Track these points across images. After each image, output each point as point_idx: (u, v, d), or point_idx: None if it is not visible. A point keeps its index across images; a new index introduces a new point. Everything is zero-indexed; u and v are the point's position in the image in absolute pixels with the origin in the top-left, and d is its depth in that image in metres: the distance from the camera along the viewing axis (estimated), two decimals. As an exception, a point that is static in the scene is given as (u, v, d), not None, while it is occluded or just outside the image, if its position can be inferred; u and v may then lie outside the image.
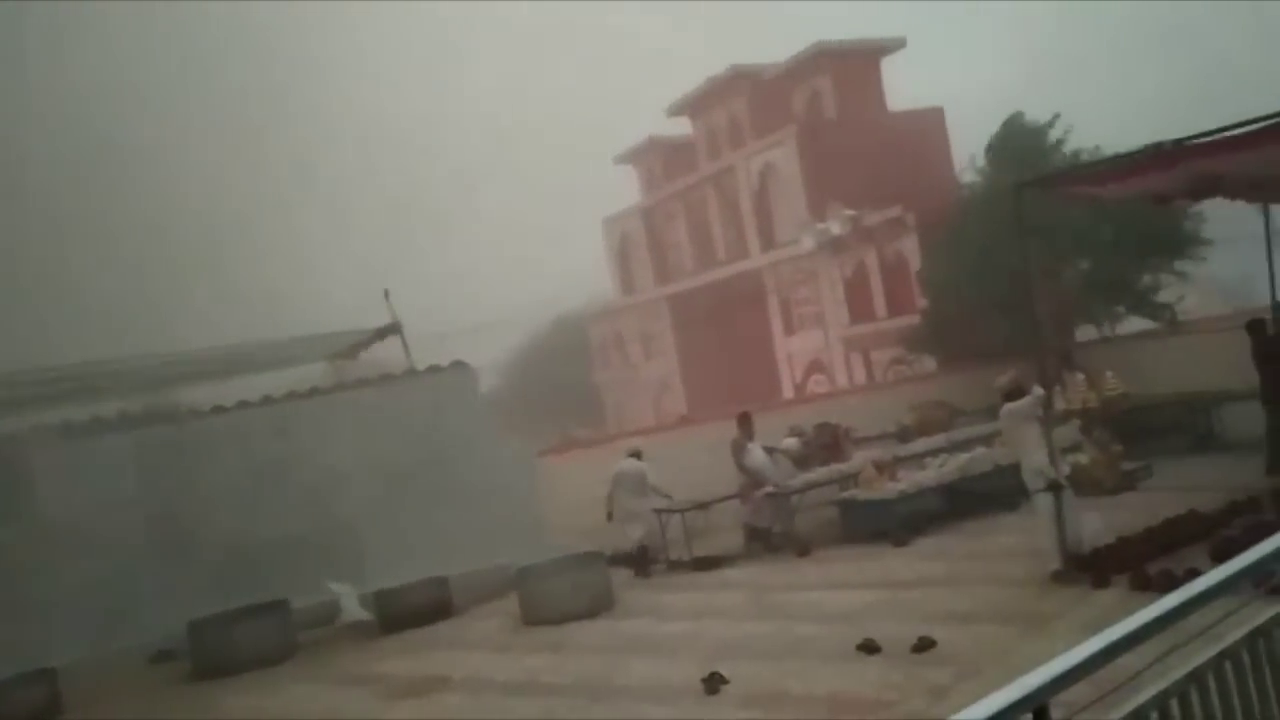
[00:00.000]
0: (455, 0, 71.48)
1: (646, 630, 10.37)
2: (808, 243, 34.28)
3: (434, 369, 15.57)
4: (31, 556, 12.45)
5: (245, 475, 13.68)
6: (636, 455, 14.39)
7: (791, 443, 14.97)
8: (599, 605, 11.45)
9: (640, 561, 13.56)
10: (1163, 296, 21.91)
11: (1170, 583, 6.06)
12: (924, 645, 7.84)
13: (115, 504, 13.09)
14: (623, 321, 45.99)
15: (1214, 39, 55.92)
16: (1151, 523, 10.10)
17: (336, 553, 13.31)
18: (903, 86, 37.96)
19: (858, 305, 33.32)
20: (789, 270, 36.64)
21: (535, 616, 11.44)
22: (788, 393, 35.75)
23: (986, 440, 14.05)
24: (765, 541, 13.48)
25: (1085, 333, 22.86)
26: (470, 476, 14.46)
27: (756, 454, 13.87)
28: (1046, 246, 16.79)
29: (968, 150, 25.43)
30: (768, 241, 37.96)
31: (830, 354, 34.94)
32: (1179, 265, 21.37)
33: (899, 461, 14.27)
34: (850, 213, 32.28)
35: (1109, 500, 12.19)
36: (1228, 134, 8.46)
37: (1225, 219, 18.90)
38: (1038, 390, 9.82)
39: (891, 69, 38.70)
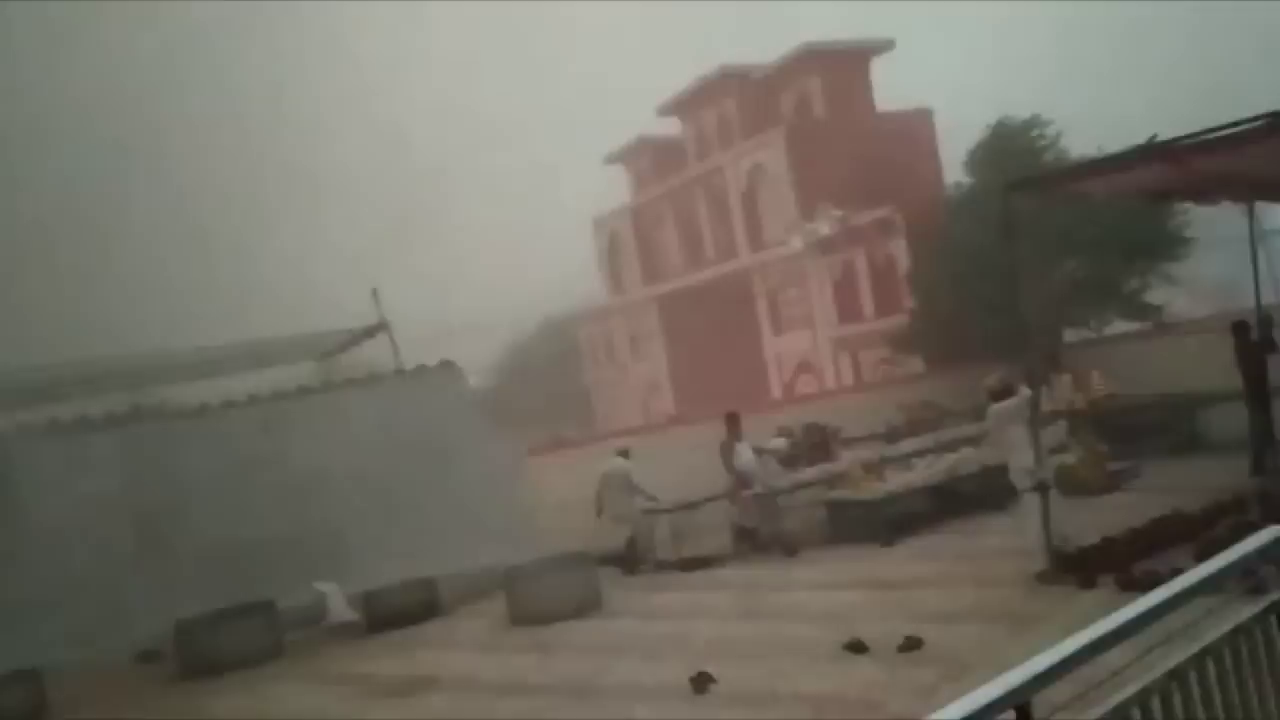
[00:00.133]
0: (448, 0, 71.41)
1: (634, 630, 10.37)
2: (796, 243, 34.38)
3: (422, 369, 15.54)
4: (16, 556, 12.36)
5: (231, 475, 13.62)
6: (624, 455, 14.41)
7: (779, 443, 15.00)
8: (587, 605, 11.45)
9: (628, 560, 13.60)
10: (1149, 298, 22.03)
11: (1155, 583, 6.07)
12: (911, 645, 7.86)
13: (100, 503, 13.01)
14: (611, 322, 46.02)
15: (1207, 43, 56.22)
16: (1137, 523, 10.14)
17: (323, 553, 13.26)
18: (891, 88, 38.07)
19: (846, 306, 33.41)
20: (778, 270, 36.72)
21: (523, 616, 11.43)
22: (776, 393, 35.82)
23: (974, 441, 14.09)
24: (753, 541, 13.50)
25: (1073, 334, 22.96)
26: (458, 476, 14.44)
27: (745, 454, 13.89)
28: (1034, 248, 16.85)
29: (956, 151, 25.54)
30: (756, 242, 38.04)
31: (819, 354, 35.03)
32: (1165, 267, 21.50)
33: (887, 462, 14.31)
34: (839, 213, 32.38)
35: (1095, 501, 12.26)
36: (1214, 135, 8.52)
37: (1212, 221, 19.01)
38: (1025, 391, 9.87)
39: (880, 70, 38.83)
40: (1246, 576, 3.38)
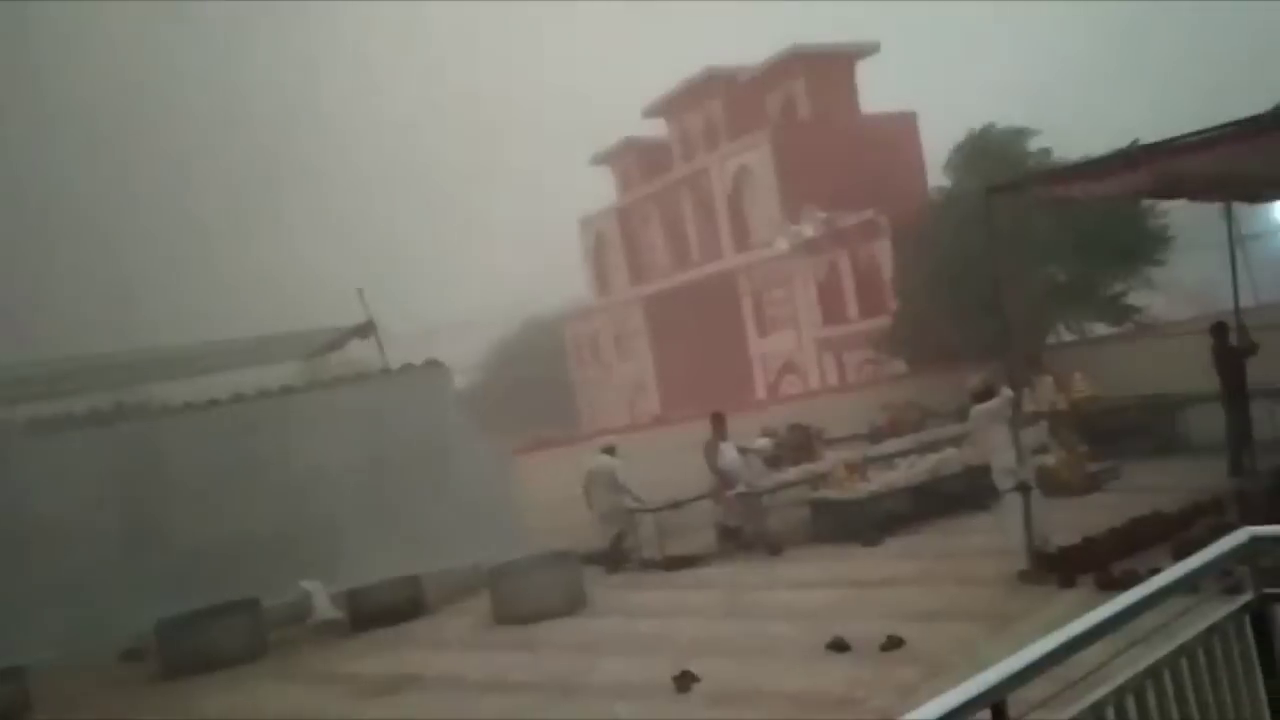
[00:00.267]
0: (434, 1, 71.23)
1: (618, 629, 10.40)
2: (781, 244, 34.47)
3: (408, 368, 15.54)
4: (-1, 554, 12.33)
5: (216, 473, 13.59)
6: (610, 451, 14.47)
7: (764, 443, 15.05)
8: (571, 604, 11.48)
9: (611, 558, 13.65)
10: (1130, 300, 22.19)
11: (1133, 582, 6.15)
12: (893, 644, 7.93)
13: (85, 501, 12.97)
14: (598, 322, 46.04)
15: (1198, 44, 56.60)
16: (1117, 523, 10.24)
17: (308, 551, 13.24)
18: (877, 91, 38.22)
19: (830, 307, 33.52)
20: (763, 271, 36.80)
21: (507, 615, 11.45)
22: (761, 393, 35.90)
23: (956, 441, 14.18)
24: (737, 541, 13.56)
25: (1054, 335, 23.11)
26: (444, 475, 14.44)
27: (729, 454, 13.94)
28: (1017, 250, 16.96)
29: (940, 155, 25.68)
30: (742, 243, 38.13)
31: (803, 355, 35.13)
32: (1146, 270, 21.66)
33: (870, 462, 14.38)
34: (823, 215, 32.48)
35: (1076, 501, 12.36)
36: (1192, 138, 8.64)
37: (1192, 225, 19.17)
38: (1007, 392, 9.95)
39: (865, 73, 38.96)
40: (1223, 576, 3.43)
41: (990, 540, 10.64)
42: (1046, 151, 22.61)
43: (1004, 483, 9.83)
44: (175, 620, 11.87)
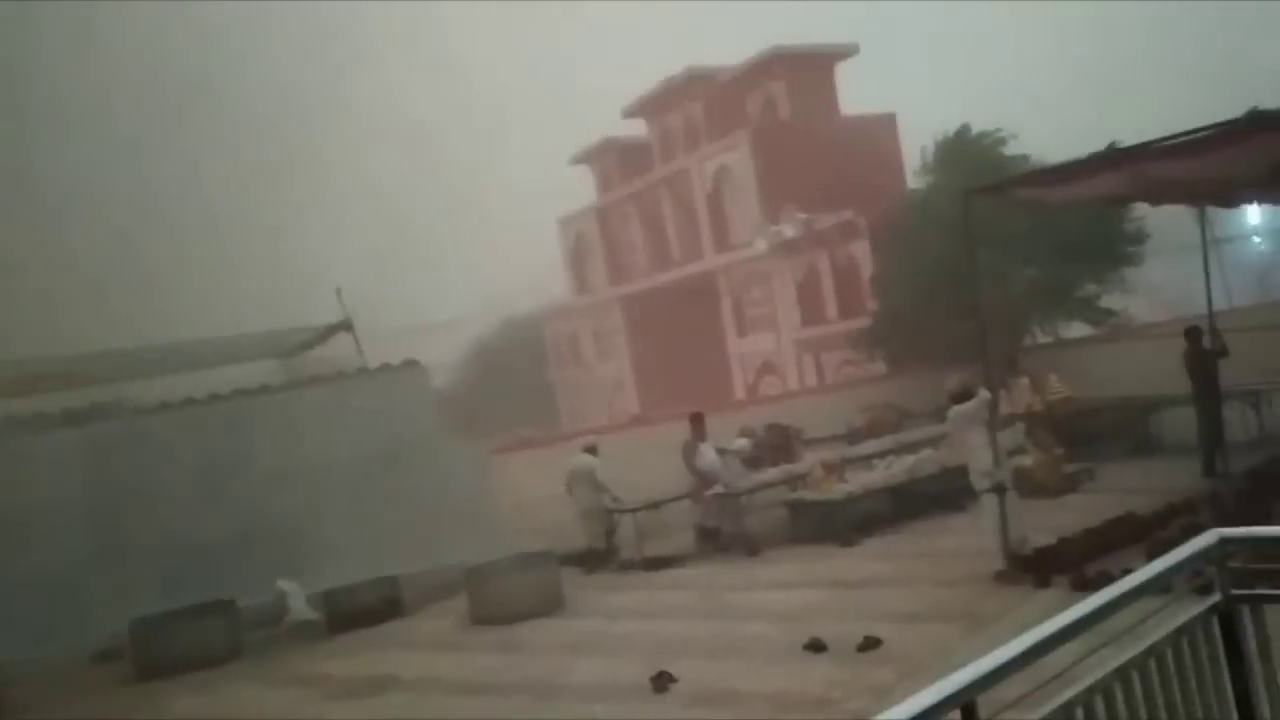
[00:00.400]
0: (413, 2, 71.02)
1: (596, 629, 10.40)
2: (761, 245, 34.52)
3: (386, 367, 15.49)
4: (-30, 554, 12.21)
5: (192, 472, 13.52)
6: (592, 450, 14.48)
7: (742, 443, 15.07)
8: (549, 604, 11.46)
9: (604, 556, 13.69)
10: (1106, 303, 22.37)
11: (1107, 583, 6.20)
12: (869, 644, 7.96)
13: (58, 501, 12.87)
14: (577, 321, 46.01)
15: (1169, 53, 57.15)
16: (1092, 524, 10.32)
17: (285, 551, 13.17)
18: (856, 92, 38.35)
19: (809, 307, 33.60)
20: (742, 272, 36.87)
21: (485, 616, 11.43)
22: (740, 394, 35.96)
23: (934, 443, 14.26)
24: (715, 541, 13.57)
25: (1031, 337, 23.28)
26: (422, 475, 14.40)
27: (708, 454, 13.96)
28: (994, 252, 17.06)
29: (919, 156, 25.78)
30: (721, 243, 38.17)
31: (782, 356, 35.20)
32: (1122, 273, 21.84)
33: (848, 463, 14.43)
34: (803, 216, 32.55)
35: (1052, 502, 12.45)
36: (1168, 142, 8.73)
37: (1166, 229, 19.34)
38: (984, 393, 10.00)
39: (845, 75, 39.09)
40: (1194, 577, 3.46)
41: (967, 541, 10.71)
42: (1025, 157, 22.75)
43: (981, 484, 9.89)
44: (150, 621, 11.78)
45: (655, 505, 14.07)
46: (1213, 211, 14.08)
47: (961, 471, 10.56)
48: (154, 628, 11.73)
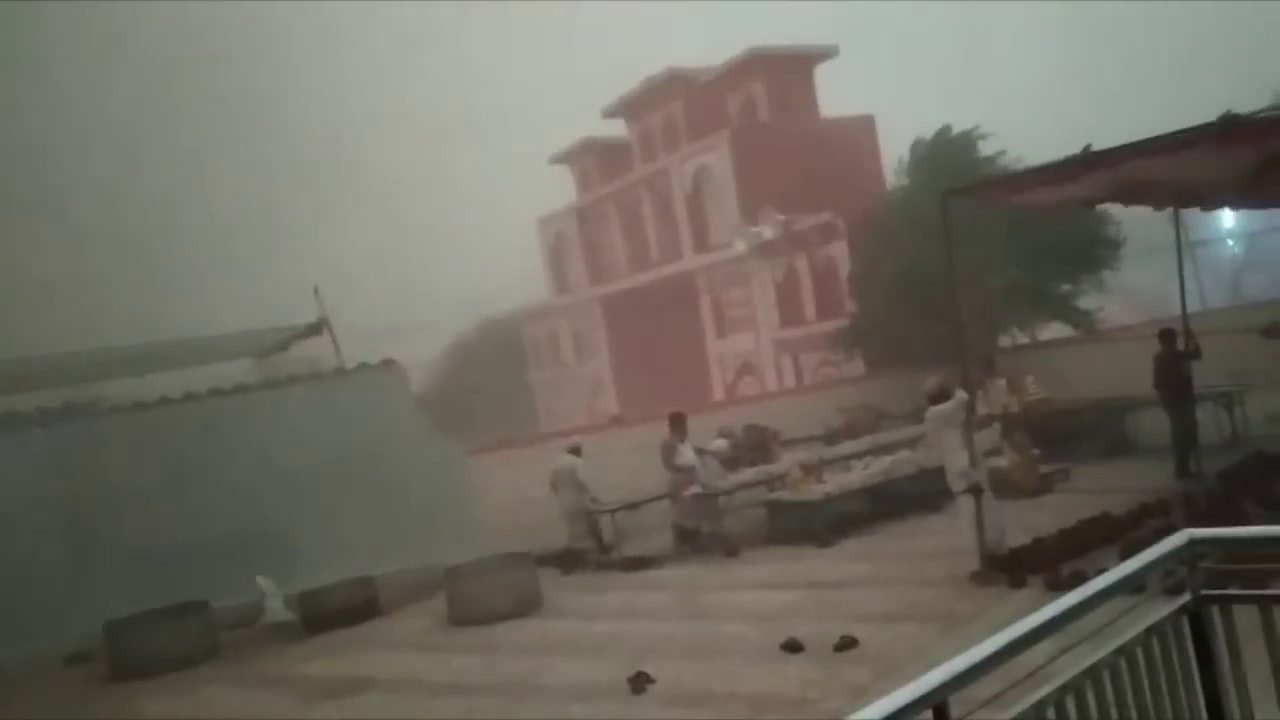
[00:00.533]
0: (394, 2, 70.81)
1: (574, 630, 10.39)
2: (740, 246, 34.58)
3: (364, 367, 15.42)
4: (-59, 555, 12.07)
5: (167, 473, 13.41)
6: (576, 451, 14.48)
7: (720, 444, 15.11)
8: (527, 605, 11.44)
9: (566, 558, 13.68)
10: (1082, 305, 22.54)
11: (1081, 583, 6.25)
12: (846, 644, 7.99)
13: (31, 501, 12.74)
14: (556, 322, 45.96)
15: (1145, 56, 57.64)
16: (1067, 525, 10.40)
17: (260, 551, 13.09)
18: (835, 94, 38.49)
19: (788, 308, 33.69)
20: (721, 273, 36.92)
21: (463, 616, 11.40)
22: (719, 394, 36.00)
23: (910, 443, 14.32)
24: (694, 542, 13.58)
25: (1007, 339, 23.43)
26: (400, 475, 14.35)
27: (686, 454, 13.97)
28: (972, 254, 17.17)
29: (897, 158, 25.92)
30: (701, 244, 38.21)
31: (761, 356, 35.27)
32: (1098, 276, 22.02)
33: (825, 464, 14.48)
34: (782, 217, 32.63)
35: (1027, 502, 12.53)
36: (1144, 145, 8.80)
37: (1142, 232, 19.50)
38: (961, 394, 10.05)
39: (824, 77, 39.22)
40: (1166, 577, 3.49)
41: (943, 541, 10.77)
42: (1001, 152, 22.93)
43: (957, 485, 9.94)
44: (123, 622, 11.68)
45: (634, 506, 14.08)
46: (1187, 215, 14.23)
47: (938, 472, 10.60)
48: (128, 629, 11.63)
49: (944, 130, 24.13)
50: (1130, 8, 56.92)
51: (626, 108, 43.11)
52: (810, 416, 18.59)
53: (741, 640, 8.81)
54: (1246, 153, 9.15)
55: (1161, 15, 55.96)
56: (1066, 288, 22.35)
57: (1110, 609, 3.17)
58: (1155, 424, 13.93)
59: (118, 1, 58.66)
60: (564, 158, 47.36)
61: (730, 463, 15.01)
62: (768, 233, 33.28)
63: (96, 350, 15.68)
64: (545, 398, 45.72)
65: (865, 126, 36.89)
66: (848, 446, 15.75)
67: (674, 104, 40.74)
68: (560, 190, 47.82)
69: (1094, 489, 12.57)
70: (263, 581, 12.73)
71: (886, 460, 13.98)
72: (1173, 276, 12.42)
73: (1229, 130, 8.24)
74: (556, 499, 14.40)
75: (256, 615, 12.64)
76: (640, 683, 7.86)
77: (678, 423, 14.15)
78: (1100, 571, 3.31)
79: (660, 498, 14.16)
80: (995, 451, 13.53)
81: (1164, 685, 3.16)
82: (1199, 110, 8.58)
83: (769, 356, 34.76)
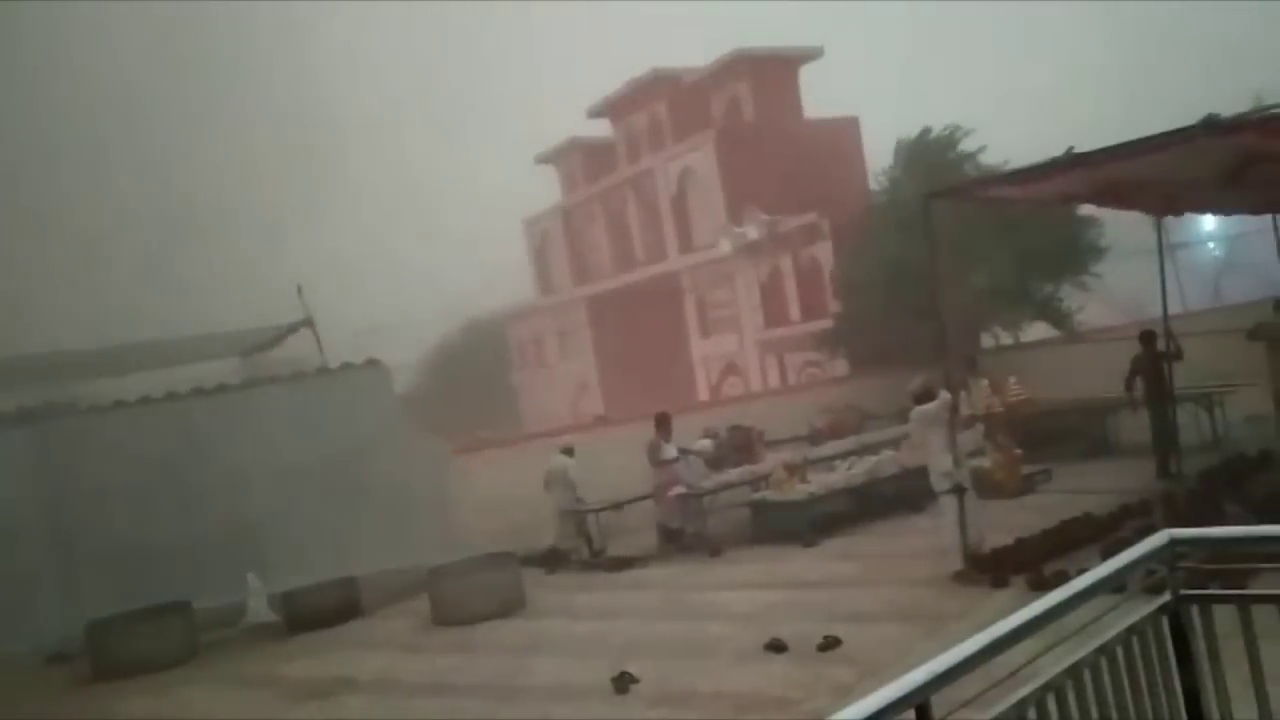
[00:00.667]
0: (378, 1, 70.60)
1: (557, 630, 10.38)
2: (725, 246, 34.61)
3: (347, 366, 15.37)
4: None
5: (148, 472, 13.32)
6: (569, 452, 14.47)
7: (705, 444, 15.12)
8: (510, 605, 11.43)
9: (550, 558, 13.68)
10: (1064, 306, 22.66)
11: (1063, 583, 6.29)
12: (829, 644, 8.00)
13: (11, 501, 12.66)
14: (541, 322, 45.91)
15: (1129, 59, 57.97)
16: (1049, 525, 10.45)
17: (242, 553, 13.02)
18: (820, 95, 38.57)
19: (773, 309, 33.74)
20: (706, 273, 36.96)
21: (446, 617, 11.37)
22: (703, 395, 36.04)
23: (894, 444, 14.36)
24: (678, 542, 13.59)
25: (990, 339, 23.52)
26: (383, 475, 14.31)
27: (670, 454, 13.97)
28: (954, 255, 17.24)
29: (881, 160, 26.00)
30: (685, 244, 38.23)
31: (745, 357, 35.32)
32: (1080, 278, 22.14)
33: (809, 464, 14.50)
34: (766, 217, 32.68)
35: (1010, 503, 12.59)
36: (1125, 148, 8.86)
37: (1122, 234, 19.60)
38: (945, 394, 10.09)
39: (809, 78, 39.31)
40: (1147, 577, 3.51)
41: (926, 541, 10.81)
42: (983, 148, 23.05)
43: (941, 485, 9.97)
44: (104, 622, 11.60)
45: (618, 506, 14.08)
46: (1168, 218, 14.29)
47: (921, 473, 10.64)
48: (109, 629, 11.56)
49: (926, 131, 24.24)
50: (1118, 12, 57.30)
51: (612, 108, 43.10)
52: (794, 417, 18.62)
53: (725, 640, 8.82)
54: (1228, 150, 9.23)
55: (1149, 18, 56.34)
56: (1049, 289, 22.47)
57: (1091, 608, 3.18)
58: (1136, 425, 14.03)
59: (89, 1, 58.32)
60: (549, 158, 47.32)
61: (715, 463, 15.03)
62: (752, 233, 33.32)
63: (78, 350, 15.60)
64: (530, 398, 45.65)
65: (849, 128, 36.99)
66: (831, 447, 15.78)
67: (659, 104, 40.75)
68: (546, 190, 47.79)
69: (1076, 489, 12.64)
70: (252, 579, 12.67)
71: (870, 460, 14.02)
72: (1154, 279, 12.46)
73: (1211, 133, 8.30)
74: (549, 499, 14.33)
75: (239, 615, 12.59)
76: (624, 683, 7.86)
77: (663, 423, 14.16)
78: (1082, 571, 3.33)
79: (644, 498, 14.16)
80: (978, 452, 13.59)
81: (1144, 684, 3.18)
82: (1183, 112, 8.65)
83: (753, 357, 34.81)
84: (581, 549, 13.90)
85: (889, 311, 21.10)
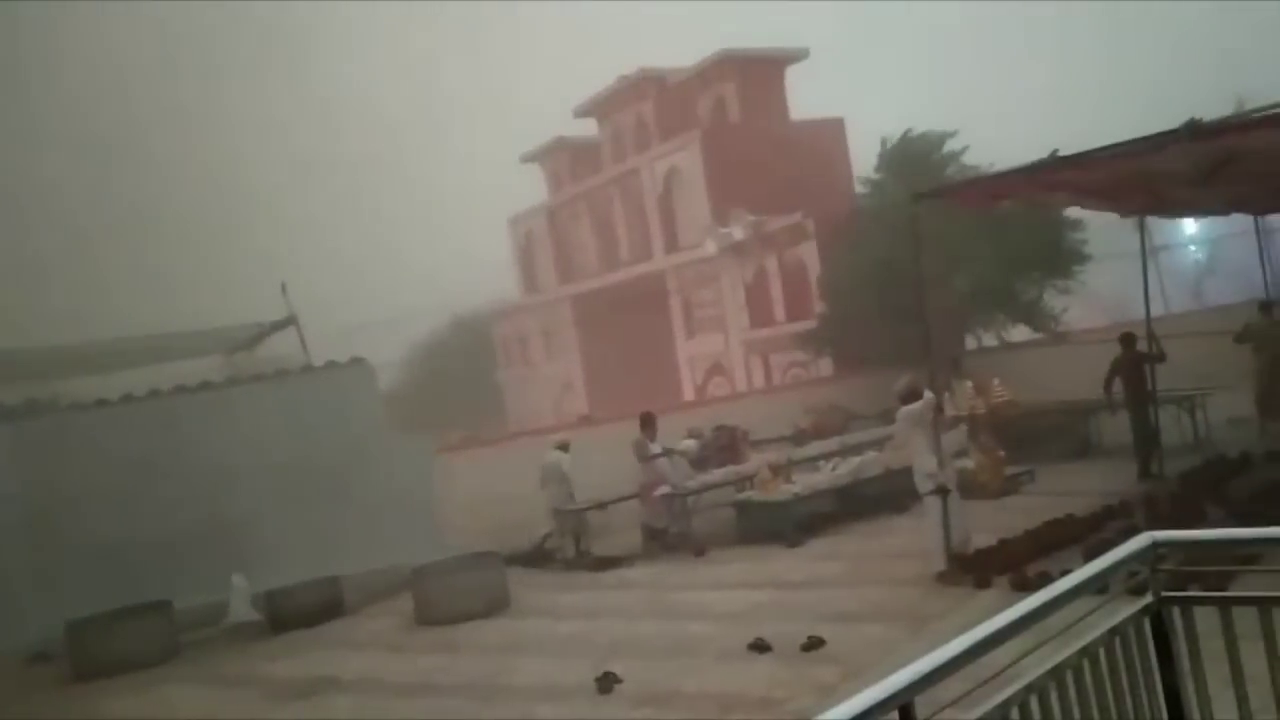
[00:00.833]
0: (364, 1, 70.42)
1: (541, 630, 10.37)
2: (710, 246, 34.61)
3: (331, 365, 15.31)
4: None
5: (130, 471, 13.24)
6: (564, 448, 14.44)
7: (690, 444, 15.13)
8: (494, 605, 11.41)
9: (535, 557, 13.68)
10: (1047, 308, 22.77)
11: (1046, 584, 6.31)
12: (813, 644, 8.02)
13: (-8, 499, 12.57)
14: (526, 321, 45.81)
15: (1116, 61, 58.33)
16: (1032, 526, 10.50)
17: (225, 551, 12.95)
18: (806, 96, 38.66)
19: (758, 309, 33.77)
20: (691, 273, 36.95)
21: (429, 616, 11.35)
22: (688, 395, 36.04)
23: (879, 444, 14.40)
24: (662, 542, 13.60)
25: (973, 341, 23.62)
26: (367, 474, 14.27)
27: (655, 453, 13.97)
28: (939, 256, 17.30)
29: (867, 161, 26.08)
30: (671, 244, 38.22)
31: (730, 357, 35.34)
32: (1063, 281, 22.25)
33: (794, 464, 14.53)
34: (752, 218, 32.70)
35: (993, 504, 12.63)
36: (1109, 151, 8.93)
37: (1106, 236, 19.70)
38: (929, 395, 10.12)
39: (794, 79, 39.37)
40: (1129, 578, 3.53)
41: (910, 542, 10.84)
42: (966, 148, 23.15)
43: (924, 486, 10.01)
44: (85, 622, 11.53)
45: (602, 505, 14.07)
46: (1150, 220, 14.38)
47: (905, 473, 10.67)
48: (90, 629, 11.48)
49: (909, 132, 24.34)
50: (1106, 16, 57.63)
51: (598, 107, 43.06)
52: (779, 417, 18.66)
53: (709, 640, 8.83)
54: (1209, 153, 9.31)
55: (1135, 22, 56.70)
56: (1033, 291, 22.57)
57: (1074, 609, 3.20)
58: (1119, 426, 14.10)
59: (84, 2, 57.99)
60: (535, 156, 47.23)
61: (699, 463, 15.04)
62: (738, 233, 33.33)
63: (60, 346, 15.49)
64: (514, 397, 45.56)
65: (835, 129, 37.06)
66: (816, 447, 15.81)
67: (645, 104, 40.73)
68: (531, 189, 47.71)
69: (1059, 491, 12.70)
70: (237, 580, 12.60)
71: (854, 461, 14.05)
72: (1137, 281, 12.54)
73: (1194, 138, 8.36)
74: (544, 495, 14.26)
75: (221, 614, 12.53)
76: (608, 682, 7.86)
77: (648, 423, 14.16)
78: (1065, 572, 3.35)
79: (629, 497, 14.16)
80: (962, 453, 13.63)
81: (1126, 685, 3.20)
82: (1167, 116, 8.71)
83: (738, 357, 34.83)
84: (567, 548, 13.89)
85: (873, 312, 21.16)
